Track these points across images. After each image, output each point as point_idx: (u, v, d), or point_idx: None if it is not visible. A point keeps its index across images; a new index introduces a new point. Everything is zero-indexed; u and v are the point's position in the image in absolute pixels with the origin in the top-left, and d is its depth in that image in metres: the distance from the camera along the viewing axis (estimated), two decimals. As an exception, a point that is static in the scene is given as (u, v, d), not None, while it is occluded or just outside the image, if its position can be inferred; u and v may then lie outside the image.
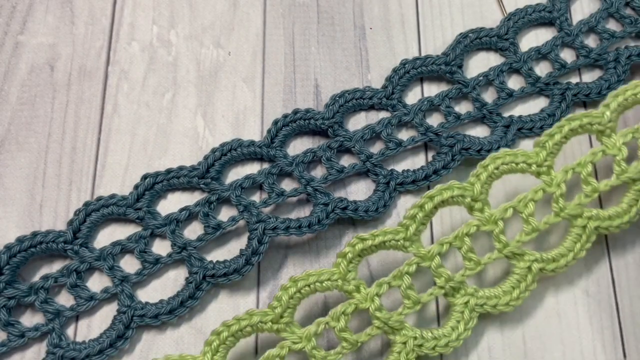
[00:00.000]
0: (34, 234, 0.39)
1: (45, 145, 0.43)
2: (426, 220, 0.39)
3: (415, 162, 0.44)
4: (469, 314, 0.38)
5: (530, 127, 0.45)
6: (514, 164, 0.39)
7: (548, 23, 0.49)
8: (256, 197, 0.42)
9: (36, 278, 0.39)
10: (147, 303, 0.39)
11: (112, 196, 0.41)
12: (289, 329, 0.36)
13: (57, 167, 0.42)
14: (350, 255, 0.38)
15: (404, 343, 0.37)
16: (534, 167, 0.39)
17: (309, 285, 0.37)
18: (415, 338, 0.37)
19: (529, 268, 0.38)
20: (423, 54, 0.47)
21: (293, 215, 0.42)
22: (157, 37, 0.46)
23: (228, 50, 0.46)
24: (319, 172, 0.43)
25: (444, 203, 0.39)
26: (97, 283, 0.40)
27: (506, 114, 0.45)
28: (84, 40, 0.46)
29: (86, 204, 0.40)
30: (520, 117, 0.45)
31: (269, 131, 0.43)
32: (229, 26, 0.47)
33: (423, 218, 0.38)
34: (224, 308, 0.40)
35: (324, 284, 0.37)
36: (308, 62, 0.46)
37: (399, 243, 0.38)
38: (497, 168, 0.39)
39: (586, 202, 0.39)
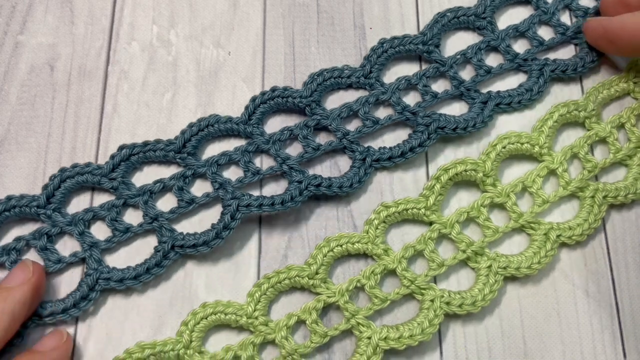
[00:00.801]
0: (8, 198, 0.40)
1: (45, 145, 0.43)
2: (443, 191, 0.42)
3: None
4: (493, 277, 0.40)
5: (508, 102, 0.44)
6: (519, 144, 0.43)
7: (525, 1, 0.49)
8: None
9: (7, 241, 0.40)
10: (114, 268, 0.39)
11: (88, 164, 0.41)
12: (323, 285, 0.39)
13: (57, 167, 0.42)
14: (376, 221, 0.40)
15: (432, 300, 0.39)
16: (536, 148, 0.43)
17: (340, 245, 0.40)
18: (442, 296, 0.39)
19: (546, 235, 0.41)
20: (423, 55, 0.47)
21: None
22: (157, 37, 0.46)
23: (228, 50, 0.46)
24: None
25: (457, 176, 0.42)
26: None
27: (484, 92, 0.45)
28: (83, 40, 0.46)
29: (62, 170, 0.41)
30: (498, 92, 0.45)
31: (246, 108, 0.43)
32: (229, 26, 0.47)
33: (440, 189, 0.41)
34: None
35: (354, 245, 0.40)
36: (308, 62, 0.46)
37: (420, 211, 0.41)
38: (504, 147, 0.43)
39: (588, 176, 0.42)
